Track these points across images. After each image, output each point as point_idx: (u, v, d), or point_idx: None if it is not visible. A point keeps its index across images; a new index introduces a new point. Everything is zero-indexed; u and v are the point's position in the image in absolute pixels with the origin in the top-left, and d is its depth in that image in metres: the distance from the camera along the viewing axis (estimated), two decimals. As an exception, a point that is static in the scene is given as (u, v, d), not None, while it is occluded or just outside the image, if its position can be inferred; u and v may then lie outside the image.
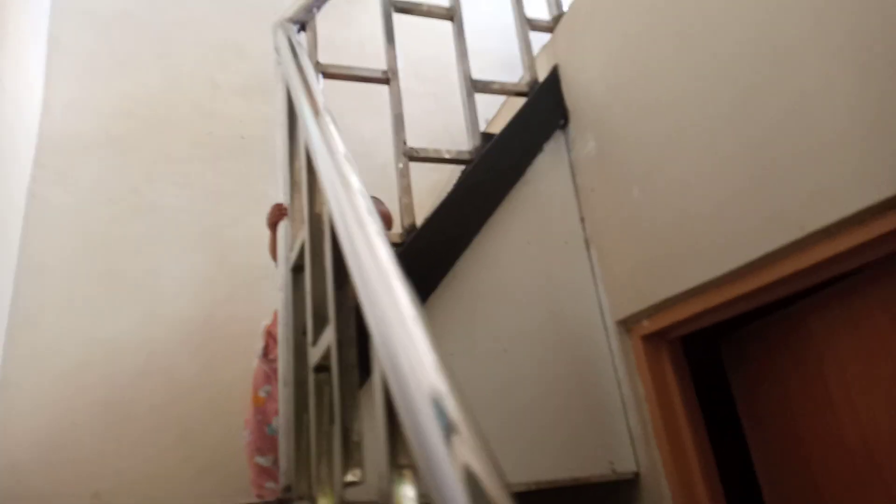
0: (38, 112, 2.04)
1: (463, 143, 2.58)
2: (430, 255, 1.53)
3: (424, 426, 0.56)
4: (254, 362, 1.70)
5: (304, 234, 1.24)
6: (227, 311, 2.03)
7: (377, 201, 1.91)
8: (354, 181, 0.94)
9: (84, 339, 1.86)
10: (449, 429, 0.56)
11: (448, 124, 2.63)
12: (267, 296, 2.06)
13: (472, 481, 0.51)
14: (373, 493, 0.81)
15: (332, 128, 1.11)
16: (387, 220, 1.88)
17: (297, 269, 1.35)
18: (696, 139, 1.34)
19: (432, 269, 1.52)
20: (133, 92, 2.20)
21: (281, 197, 1.51)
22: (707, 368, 1.66)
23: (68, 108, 2.09)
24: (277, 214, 1.44)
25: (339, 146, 1.04)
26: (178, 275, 2.03)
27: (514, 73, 1.98)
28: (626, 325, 1.56)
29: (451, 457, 0.53)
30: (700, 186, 1.32)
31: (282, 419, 1.26)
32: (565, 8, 1.91)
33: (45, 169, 1.99)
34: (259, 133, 2.31)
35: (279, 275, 1.39)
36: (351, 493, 0.81)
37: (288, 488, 1.19)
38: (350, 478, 0.82)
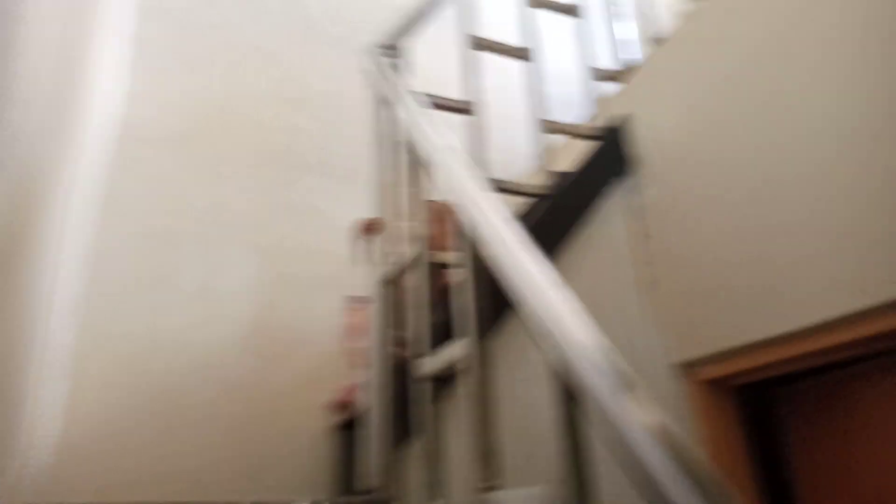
0: (115, 102, 2.10)
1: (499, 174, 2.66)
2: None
3: (605, 389, 0.60)
4: None
5: (408, 251, 1.31)
6: (279, 317, 2.10)
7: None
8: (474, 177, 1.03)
9: (141, 331, 1.91)
10: (626, 386, 0.60)
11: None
12: (314, 304, 2.14)
13: (666, 437, 0.52)
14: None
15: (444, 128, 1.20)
16: None
17: (389, 283, 1.42)
18: (777, 200, 1.42)
19: (503, 295, 1.59)
20: (205, 94, 2.28)
21: (357, 213, 1.59)
22: (760, 416, 1.73)
23: (144, 102, 2.17)
24: (367, 229, 1.51)
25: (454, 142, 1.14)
26: (232, 276, 2.09)
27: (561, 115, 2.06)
28: (685, 369, 1.63)
29: (638, 415, 0.55)
30: (780, 243, 1.40)
31: (373, 422, 1.31)
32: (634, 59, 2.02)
33: (120, 158, 2.04)
34: (308, 145, 2.39)
35: (371, 286, 1.45)
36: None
37: (380, 489, 1.23)
38: (488, 483, 0.88)
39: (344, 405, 1.88)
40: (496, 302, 1.03)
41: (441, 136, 1.22)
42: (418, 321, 1.16)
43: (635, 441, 0.55)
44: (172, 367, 1.90)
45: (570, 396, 0.71)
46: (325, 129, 2.45)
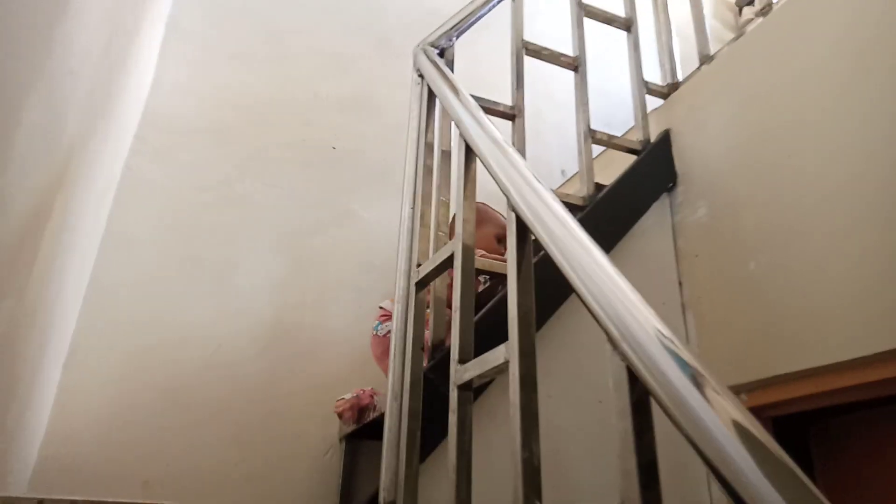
0: (146, 88, 2.05)
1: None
2: (539, 292, 1.52)
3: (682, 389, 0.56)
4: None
5: (445, 251, 1.24)
6: (296, 317, 2.01)
7: (490, 209, 1.93)
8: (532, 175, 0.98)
9: (155, 321, 1.82)
10: (696, 380, 0.56)
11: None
12: (335, 309, 2.07)
13: (745, 435, 0.50)
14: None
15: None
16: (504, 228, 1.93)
17: (422, 284, 1.34)
18: (835, 229, 1.35)
19: (540, 307, 1.51)
20: (238, 86, 2.23)
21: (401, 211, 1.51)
22: (793, 452, 1.64)
23: (175, 90, 2.11)
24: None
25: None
26: (254, 272, 2.01)
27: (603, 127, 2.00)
28: (722, 396, 1.54)
29: (716, 411, 0.52)
30: (833, 273, 1.33)
31: (387, 432, 1.23)
32: (679, 77, 1.96)
33: (145, 145, 1.99)
34: (350, 147, 2.33)
35: (397, 287, 1.38)
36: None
37: (392, 504, 1.15)
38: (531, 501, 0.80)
39: (355, 413, 1.80)
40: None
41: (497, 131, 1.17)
42: (462, 324, 1.09)
43: (726, 440, 0.52)
44: (180, 363, 1.80)
45: (644, 402, 0.64)
46: (367, 134, 2.39)
